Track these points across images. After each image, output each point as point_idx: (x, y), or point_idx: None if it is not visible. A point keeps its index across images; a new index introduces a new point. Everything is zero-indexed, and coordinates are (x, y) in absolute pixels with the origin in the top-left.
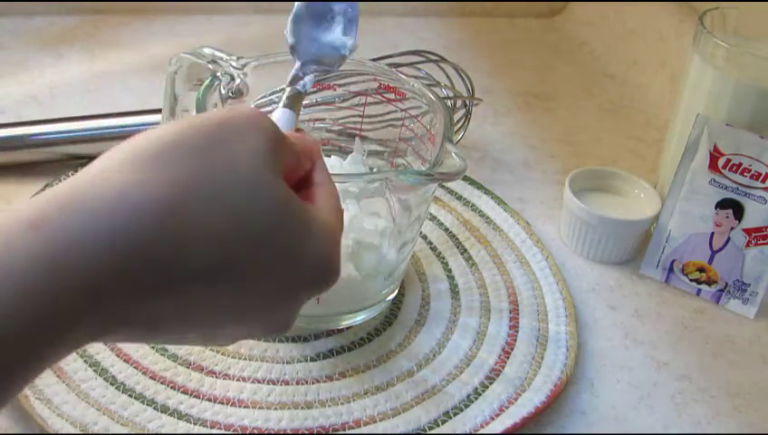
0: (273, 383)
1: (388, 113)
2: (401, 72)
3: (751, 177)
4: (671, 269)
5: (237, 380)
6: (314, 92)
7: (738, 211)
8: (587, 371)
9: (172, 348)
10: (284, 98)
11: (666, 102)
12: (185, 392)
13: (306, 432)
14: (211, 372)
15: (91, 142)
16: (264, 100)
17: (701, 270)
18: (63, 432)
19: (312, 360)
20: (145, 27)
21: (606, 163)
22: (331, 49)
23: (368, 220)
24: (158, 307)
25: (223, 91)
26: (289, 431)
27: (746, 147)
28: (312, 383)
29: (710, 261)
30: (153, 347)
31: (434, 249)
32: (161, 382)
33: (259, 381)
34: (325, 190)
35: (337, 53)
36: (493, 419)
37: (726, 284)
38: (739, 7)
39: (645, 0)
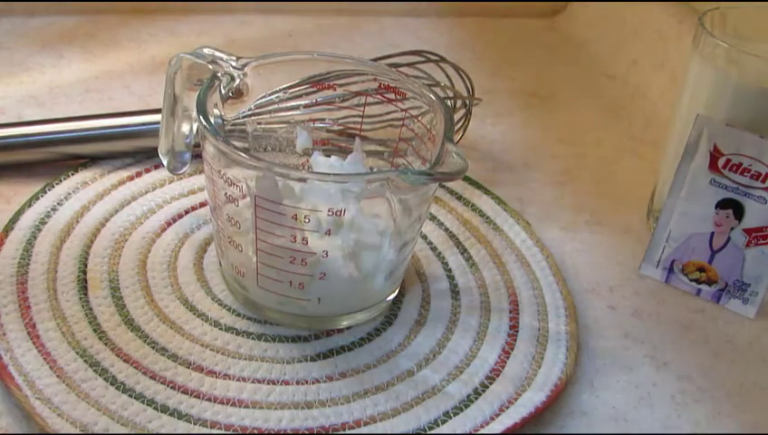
0: (273, 383)
1: (389, 113)
2: (401, 72)
3: (751, 177)
4: (671, 269)
5: (237, 380)
6: (314, 92)
7: (738, 211)
8: (587, 371)
9: (172, 348)
10: None
11: (666, 102)
12: (185, 392)
13: (306, 432)
14: (211, 372)
15: (91, 142)
16: (264, 100)
17: (701, 270)
18: (63, 432)
19: (312, 360)
20: (145, 27)
21: (606, 163)
22: None
23: (368, 220)
24: None
25: (223, 91)
26: (289, 431)
27: (746, 147)
28: (312, 383)
29: (710, 261)
30: (153, 347)
31: (434, 249)
32: (161, 382)
33: (259, 381)
34: None
35: None
36: (493, 419)
37: (726, 284)
38: (739, 7)
39: (645, 0)
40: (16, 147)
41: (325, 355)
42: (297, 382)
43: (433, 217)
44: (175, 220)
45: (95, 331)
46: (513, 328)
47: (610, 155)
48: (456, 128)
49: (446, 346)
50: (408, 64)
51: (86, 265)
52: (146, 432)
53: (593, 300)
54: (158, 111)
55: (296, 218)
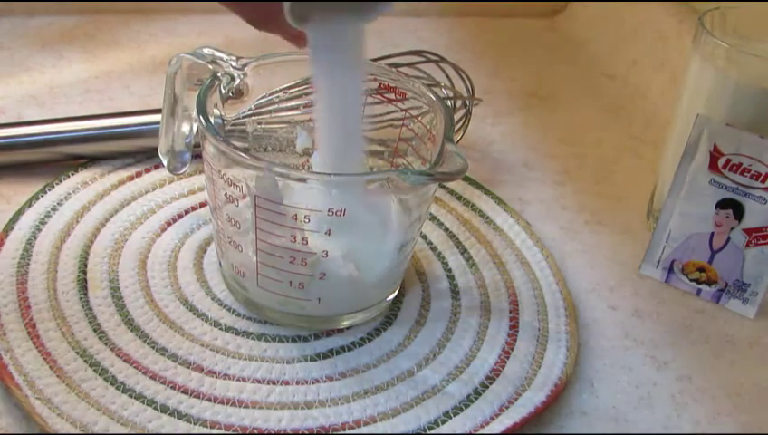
0: (273, 383)
1: (389, 113)
2: (401, 72)
3: (751, 177)
4: (671, 269)
5: (237, 380)
6: (314, 93)
7: (738, 211)
8: (587, 371)
9: (172, 348)
10: None
11: (666, 102)
12: (185, 392)
13: (306, 432)
14: (211, 372)
15: (91, 142)
16: (264, 100)
17: (701, 270)
18: (63, 432)
19: (312, 360)
20: (145, 27)
21: (606, 163)
22: None
23: (368, 220)
24: None
25: (223, 91)
26: (289, 431)
27: (746, 147)
28: (312, 383)
29: (710, 261)
30: (153, 347)
31: (434, 249)
32: (161, 382)
33: (259, 382)
34: None
35: None
36: (493, 419)
37: (726, 284)
38: (739, 7)
39: (645, 0)
40: (16, 147)
41: (325, 355)
42: (297, 382)
43: (433, 217)
44: (175, 220)
45: (95, 331)
46: (513, 328)
47: (610, 155)
48: (456, 128)
49: (446, 346)
50: (408, 64)
51: (86, 265)
52: (146, 432)
53: (593, 300)
54: (158, 111)
55: (296, 218)
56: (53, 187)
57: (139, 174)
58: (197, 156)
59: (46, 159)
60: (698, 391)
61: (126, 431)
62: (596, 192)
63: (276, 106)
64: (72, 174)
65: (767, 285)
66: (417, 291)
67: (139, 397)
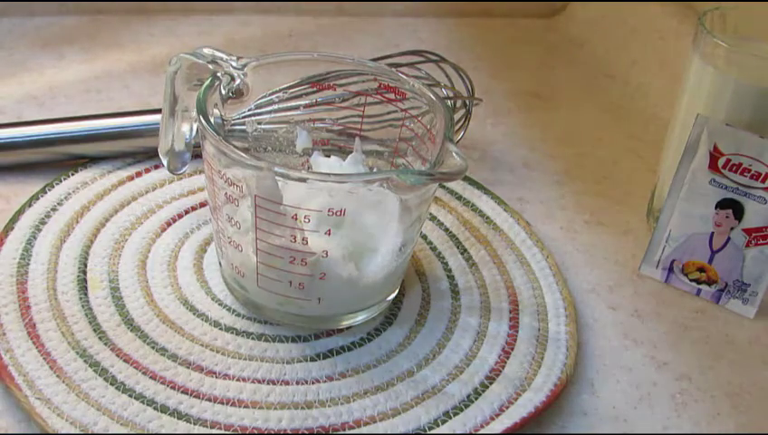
0: (273, 383)
1: (389, 113)
2: (401, 72)
3: (751, 177)
4: (671, 269)
5: (237, 380)
6: (314, 92)
7: (738, 211)
8: (587, 371)
9: (172, 348)
10: None
11: (666, 102)
12: (185, 392)
13: (306, 432)
14: (211, 372)
15: (91, 142)
16: (264, 100)
17: (701, 270)
18: (63, 432)
19: (312, 360)
20: (145, 27)
21: (606, 163)
22: None
23: (368, 220)
24: None
25: (223, 92)
26: (289, 431)
27: (746, 147)
28: (312, 383)
29: (710, 261)
30: (153, 347)
31: (434, 249)
32: (161, 382)
33: (259, 382)
34: None
35: None
36: (493, 419)
37: (726, 284)
38: (739, 7)
39: (645, 0)
40: (16, 147)
41: (325, 355)
42: (297, 382)
43: (433, 217)
44: (175, 220)
45: (95, 331)
46: (513, 328)
47: (610, 155)
48: (456, 128)
49: (446, 346)
50: (408, 64)
51: (86, 265)
52: (146, 432)
53: (593, 300)
54: (158, 111)
55: (296, 218)
56: (53, 187)
57: (139, 174)
58: (197, 156)
59: (46, 159)
60: (698, 391)
61: (126, 431)
62: (596, 192)
63: (276, 106)
64: (72, 174)
65: (767, 284)
66: (417, 291)
67: (139, 397)
